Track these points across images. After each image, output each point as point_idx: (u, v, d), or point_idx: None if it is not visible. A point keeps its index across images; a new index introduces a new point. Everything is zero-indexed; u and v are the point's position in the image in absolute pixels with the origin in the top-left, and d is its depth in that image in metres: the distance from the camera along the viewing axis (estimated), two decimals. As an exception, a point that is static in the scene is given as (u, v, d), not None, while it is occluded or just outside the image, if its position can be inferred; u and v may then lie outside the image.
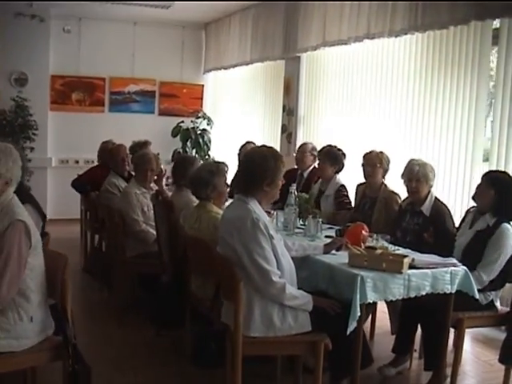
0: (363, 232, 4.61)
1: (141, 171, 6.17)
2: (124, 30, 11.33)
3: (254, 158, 3.92)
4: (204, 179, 4.69)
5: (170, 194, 6.35)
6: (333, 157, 6.41)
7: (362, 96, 7.68)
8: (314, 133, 8.61)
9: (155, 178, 6.46)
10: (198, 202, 4.90)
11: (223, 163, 4.95)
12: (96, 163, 8.62)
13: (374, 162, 5.79)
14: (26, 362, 3.61)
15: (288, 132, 8.93)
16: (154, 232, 5.77)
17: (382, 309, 5.51)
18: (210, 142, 11.47)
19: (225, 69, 11.00)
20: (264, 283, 3.70)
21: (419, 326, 4.80)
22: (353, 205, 6.21)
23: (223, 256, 3.89)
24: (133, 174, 6.56)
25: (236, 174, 4.89)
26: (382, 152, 5.87)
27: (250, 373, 3.84)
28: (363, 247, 4.36)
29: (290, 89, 8.92)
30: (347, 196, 6.33)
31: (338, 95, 8.16)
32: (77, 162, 11.14)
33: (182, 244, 4.79)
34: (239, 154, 7.84)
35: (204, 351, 4.64)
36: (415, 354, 5.10)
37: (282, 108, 9.11)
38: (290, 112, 8.92)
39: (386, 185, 5.84)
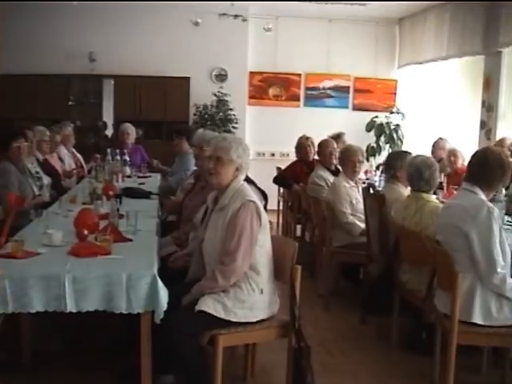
0: None
1: (348, 164, 6.32)
2: (319, 26, 11.59)
3: (499, 155, 4.08)
4: (422, 172, 4.80)
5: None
6: None
7: None
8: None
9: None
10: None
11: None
12: (290, 156, 8.98)
13: None
14: (257, 337, 4.01)
15: (487, 128, 8.78)
16: (361, 225, 5.96)
17: None
18: (403, 136, 11.48)
19: (419, 64, 10.98)
20: (488, 272, 3.85)
21: None
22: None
23: (441, 248, 4.05)
24: (339, 167, 6.79)
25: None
26: None
27: (455, 363, 3.97)
28: None
29: (490, 84, 8.78)
30: None
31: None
32: (272, 154, 11.58)
33: (393, 236, 4.98)
34: (433, 152, 7.93)
35: (415, 339, 4.83)
36: None
37: (481, 104, 8.96)
38: (489, 108, 8.76)
39: None
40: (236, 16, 10.80)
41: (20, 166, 5.96)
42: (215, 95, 11.05)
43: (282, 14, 11.31)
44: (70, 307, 3.44)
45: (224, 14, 10.73)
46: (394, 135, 11.41)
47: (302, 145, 8.23)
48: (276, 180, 8.64)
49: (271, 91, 11.80)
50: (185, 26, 10.37)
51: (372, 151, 11.27)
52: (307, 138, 8.27)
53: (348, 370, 4.68)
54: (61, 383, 4.27)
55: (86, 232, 4.11)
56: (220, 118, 10.96)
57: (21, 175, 5.86)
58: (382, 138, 11.45)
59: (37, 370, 4.38)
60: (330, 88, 11.89)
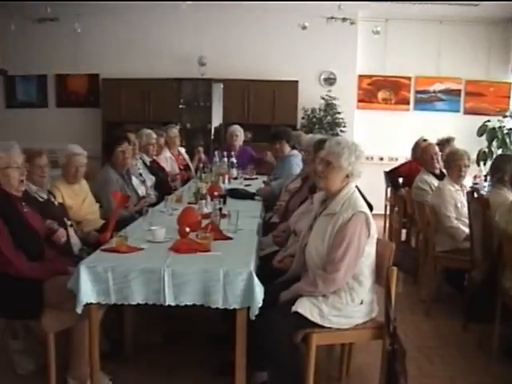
0: None
1: (454, 168, 6.19)
2: (429, 28, 11.37)
3: None
4: None
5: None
6: None
7: None
8: None
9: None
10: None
11: None
12: (399, 160, 8.93)
13: None
14: (351, 338, 4.02)
15: None
16: (465, 229, 5.83)
17: None
18: (517, 141, 11.10)
19: (535, 66, 10.62)
20: None
21: None
22: None
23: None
24: (444, 171, 6.67)
25: None
26: None
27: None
28: None
29: None
30: None
31: None
32: (381, 158, 11.43)
33: (497, 241, 4.85)
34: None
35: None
36: None
37: None
38: None
39: None
40: (344, 19, 10.72)
41: (124, 171, 6.14)
42: (323, 99, 11.04)
43: (391, 17, 11.20)
44: (169, 300, 3.58)
45: (332, 18, 10.70)
46: (507, 140, 11.01)
47: (419, 146, 8.18)
48: (388, 174, 8.77)
49: (380, 95, 11.70)
50: (293, 30, 10.37)
51: (483, 156, 10.95)
52: (425, 140, 8.30)
53: (445, 377, 4.60)
54: (160, 375, 4.41)
55: (187, 229, 4.24)
56: (328, 121, 10.92)
57: (123, 182, 6.04)
58: (494, 143, 11.08)
59: (138, 362, 4.57)
60: (440, 91, 11.65)
